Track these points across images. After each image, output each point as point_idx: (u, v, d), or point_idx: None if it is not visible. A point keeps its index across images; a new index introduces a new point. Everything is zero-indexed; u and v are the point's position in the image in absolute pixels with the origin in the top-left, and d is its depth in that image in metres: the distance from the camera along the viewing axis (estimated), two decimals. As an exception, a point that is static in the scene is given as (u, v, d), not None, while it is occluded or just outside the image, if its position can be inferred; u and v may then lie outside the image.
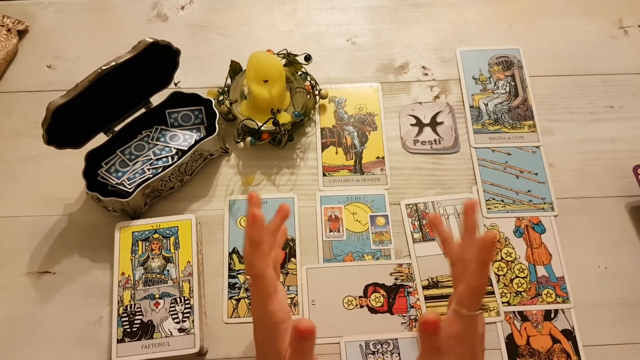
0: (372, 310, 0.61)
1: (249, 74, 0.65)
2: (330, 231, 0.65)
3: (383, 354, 0.58)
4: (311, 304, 0.61)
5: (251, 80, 0.65)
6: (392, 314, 0.61)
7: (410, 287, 0.62)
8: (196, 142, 0.66)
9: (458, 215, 0.66)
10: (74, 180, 0.65)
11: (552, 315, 0.61)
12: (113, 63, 0.56)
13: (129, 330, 0.58)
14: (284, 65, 0.68)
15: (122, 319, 0.58)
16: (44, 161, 0.69)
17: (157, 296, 0.59)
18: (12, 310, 0.61)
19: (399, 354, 0.58)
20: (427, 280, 0.63)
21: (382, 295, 0.61)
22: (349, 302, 0.61)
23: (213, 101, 0.67)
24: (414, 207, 0.67)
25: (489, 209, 0.67)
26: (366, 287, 0.62)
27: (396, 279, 0.62)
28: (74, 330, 0.60)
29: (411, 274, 0.63)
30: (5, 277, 0.63)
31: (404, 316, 0.60)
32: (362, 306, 0.61)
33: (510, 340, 0.60)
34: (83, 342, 0.60)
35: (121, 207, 0.63)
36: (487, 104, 0.73)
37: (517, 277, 0.63)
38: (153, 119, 0.68)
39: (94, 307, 0.61)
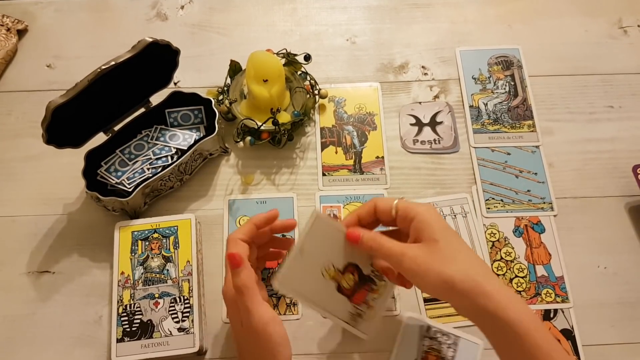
0: (339, 288, 0.55)
1: (248, 74, 0.65)
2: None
3: (440, 343, 0.58)
4: (298, 251, 0.53)
5: (251, 79, 0.65)
6: (350, 300, 0.55)
7: (375, 285, 0.56)
8: (196, 141, 0.66)
9: (455, 216, 0.66)
10: (73, 180, 0.65)
11: (552, 315, 0.61)
12: (112, 62, 0.56)
13: (128, 329, 0.58)
14: (284, 65, 0.68)
15: (122, 319, 0.58)
16: (44, 161, 0.69)
17: (156, 296, 0.59)
18: (11, 310, 0.61)
19: (455, 350, 0.58)
20: (427, 280, 0.63)
21: (354, 280, 0.55)
22: (327, 270, 0.54)
23: (213, 101, 0.67)
24: (414, 207, 0.67)
25: (489, 208, 0.67)
26: (347, 265, 0.55)
27: (373, 271, 0.56)
28: (74, 329, 0.60)
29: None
30: (4, 276, 0.63)
31: (356, 307, 0.55)
32: (334, 280, 0.55)
33: (509, 340, 0.60)
34: (82, 342, 0.60)
35: (121, 207, 0.63)
36: (486, 104, 0.73)
37: (516, 276, 0.63)
38: (153, 118, 0.68)
39: (94, 306, 0.61)
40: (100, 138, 0.64)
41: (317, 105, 0.73)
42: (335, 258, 0.53)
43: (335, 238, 0.53)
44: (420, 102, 0.74)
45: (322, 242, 0.52)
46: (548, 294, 0.62)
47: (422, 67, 0.77)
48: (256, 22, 0.80)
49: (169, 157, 0.67)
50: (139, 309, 0.59)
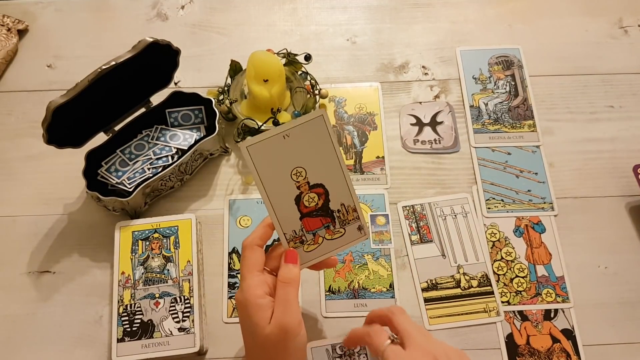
0: (297, 199, 0.49)
1: (249, 74, 0.65)
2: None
3: (350, 356, 0.58)
4: (284, 133, 0.48)
5: (251, 79, 0.65)
6: (300, 219, 0.50)
7: (334, 227, 0.51)
8: (196, 141, 0.66)
9: (455, 216, 0.66)
10: (74, 180, 0.65)
11: (552, 315, 0.61)
12: (113, 62, 0.56)
13: (129, 329, 0.58)
14: (284, 65, 0.68)
15: (122, 319, 0.58)
16: (44, 161, 0.69)
17: (157, 295, 0.59)
18: (12, 310, 0.61)
19: (366, 354, 0.58)
20: (427, 282, 0.63)
21: (316, 203, 0.50)
22: (298, 173, 0.49)
23: (213, 101, 0.67)
24: (411, 209, 0.67)
25: (489, 208, 0.67)
26: (319, 185, 0.50)
27: (339, 211, 0.51)
28: (74, 329, 0.60)
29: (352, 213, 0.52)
30: (5, 276, 0.63)
31: (302, 230, 0.50)
32: (298, 188, 0.49)
33: (510, 339, 0.60)
34: (83, 342, 0.60)
35: (121, 207, 0.63)
36: (487, 104, 0.73)
37: (517, 276, 0.63)
38: (153, 118, 0.68)
39: (94, 306, 0.61)
40: (100, 138, 0.64)
41: (317, 105, 0.73)
42: (312, 167, 0.48)
43: (326, 149, 0.48)
44: (420, 102, 0.74)
45: (311, 143, 0.48)
46: (548, 294, 0.62)
47: (423, 67, 0.77)
48: (256, 22, 0.80)
49: (170, 157, 0.67)
50: (139, 308, 0.59)
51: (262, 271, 0.49)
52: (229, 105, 0.68)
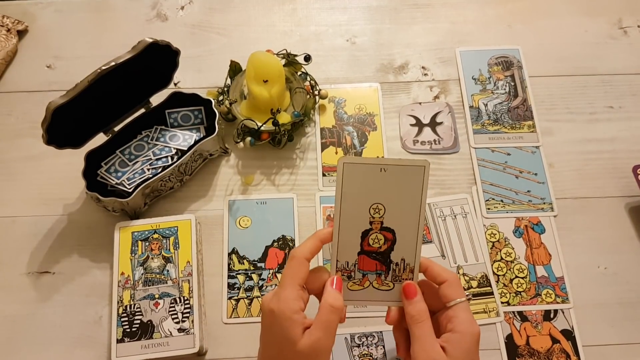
0: (364, 235, 0.49)
1: (248, 74, 0.65)
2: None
3: (368, 347, 0.58)
4: (381, 162, 0.50)
5: (251, 80, 0.65)
6: (357, 254, 0.49)
7: (386, 279, 0.49)
8: (196, 142, 0.66)
9: (455, 216, 0.66)
10: (73, 180, 0.65)
11: (552, 315, 0.61)
12: (113, 63, 0.56)
13: (128, 330, 0.58)
14: (284, 66, 0.68)
15: (122, 319, 0.58)
16: (44, 161, 0.69)
17: (156, 296, 0.59)
18: (12, 310, 0.61)
19: (383, 346, 0.59)
20: (427, 280, 0.63)
21: (380, 245, 0.49)
22: (377, 209, 0.49)
23: (213, 101, 0.67)
24: (413, 208, 0.67)
25: (489, 209, 0.67)
26: (390, 229, 0.49)
27: (397, 265, 0.50)
28: (74, 330, 0.60)
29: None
30: (5, 277, 0.63)
31: (354, 267, 0.49)
32: (371, 223, 0.49)
33: (509, 340, 0.60)
34: (82, 342, 0.60)
35: (121, 207, 0.63)
36: (486, 104, 0.73)
37: (516, 277, 0.63)
38: (153, 119, 0.68)
39: (94, 307, 0.61)
40: (100, 138, 0.64)
41: (317, 105, 0.73)
42: (392, 210, 0.47)
43: (413, 199, 0.47)
44: (420, 103, 0.74)
45: (403, 186, 0.47)
46: (548, 295, 0.62)
47: (422, 67, 0.77)
48: (256, 23, 0.80)
49: (169, 158, 0.67)
50: (139, 309, 0.59)
51: (302, 287, 0.47)
52: (228, 105, 0.68)
